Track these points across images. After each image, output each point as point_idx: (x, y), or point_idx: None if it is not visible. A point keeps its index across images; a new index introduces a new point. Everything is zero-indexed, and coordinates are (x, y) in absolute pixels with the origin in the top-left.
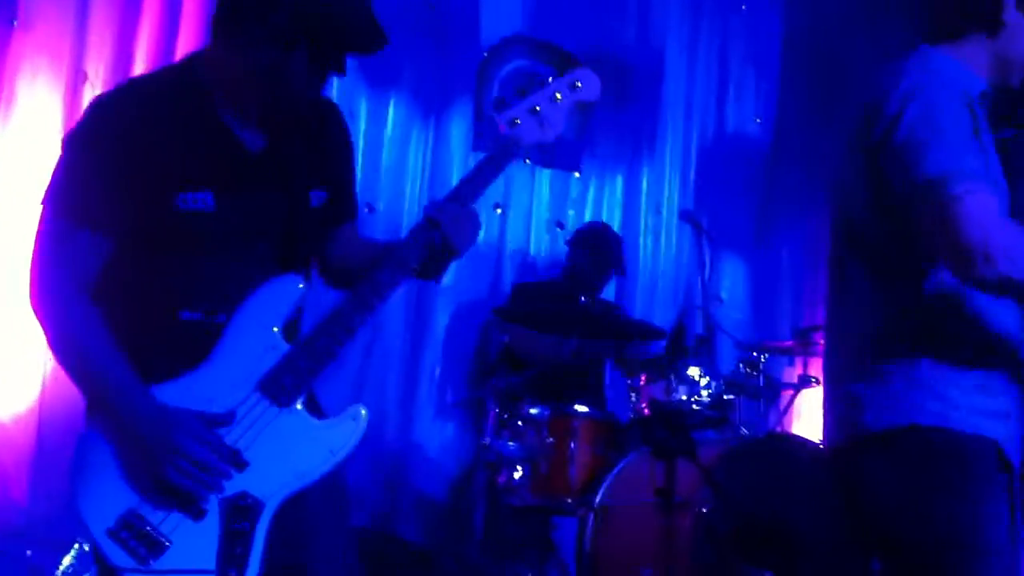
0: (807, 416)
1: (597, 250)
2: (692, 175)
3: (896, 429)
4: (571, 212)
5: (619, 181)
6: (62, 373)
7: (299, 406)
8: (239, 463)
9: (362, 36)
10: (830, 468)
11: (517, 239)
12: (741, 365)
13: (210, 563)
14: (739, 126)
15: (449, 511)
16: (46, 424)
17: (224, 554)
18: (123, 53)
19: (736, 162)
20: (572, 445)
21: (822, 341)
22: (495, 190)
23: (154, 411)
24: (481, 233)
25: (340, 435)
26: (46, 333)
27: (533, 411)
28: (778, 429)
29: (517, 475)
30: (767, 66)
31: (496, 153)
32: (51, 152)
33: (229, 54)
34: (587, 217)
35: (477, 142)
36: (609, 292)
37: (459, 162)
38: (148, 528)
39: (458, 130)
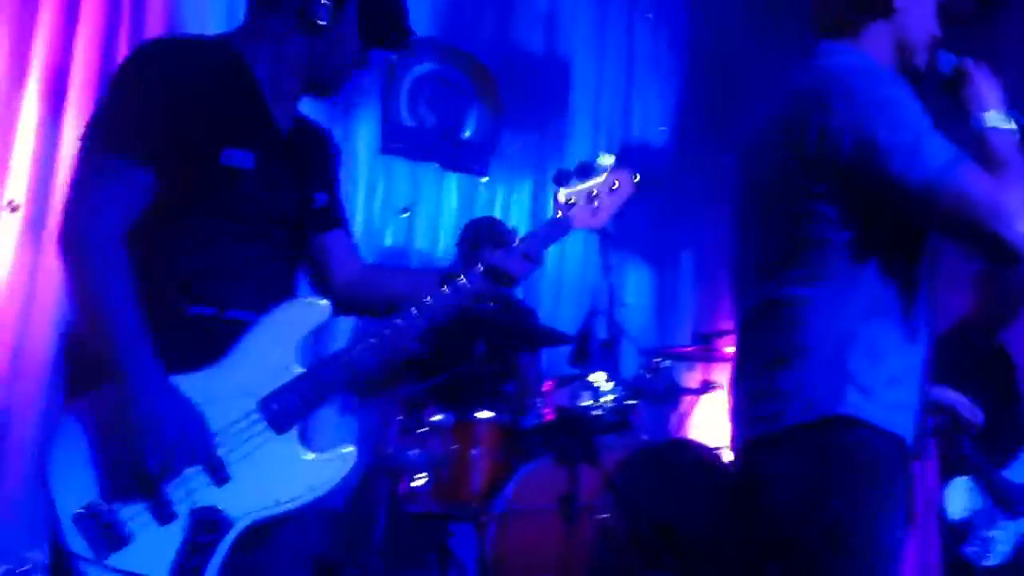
0: (708, 421)
1: (500, 237)
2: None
3: (807, 424)
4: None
5: (527, 186)
6: None
7: (293, 434)
8: (221, 476)
9: (399, 29)
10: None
11: (425, 243)
12: (643, 370)
13: (163, 571)
14: (644, 133)
15: (350, 520)
16: None
17: (180, 564)
18: (20, 47)
19: (641, 168)
20: (475, 452)
21: (723, 347)
22: (403, 193)
23: (163, 388)
24: (388, 237)
25: (325, 472)
26: (74, 277)
27: (436, 418)
28: (679, 434)
29: (419, 482)
30: (672, 74)
31: (548, 227)
32: None
33: (275, 24)
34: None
35: (386, 145)
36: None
37: (366, 166)
38: (114, 521)
39: (365, 134)
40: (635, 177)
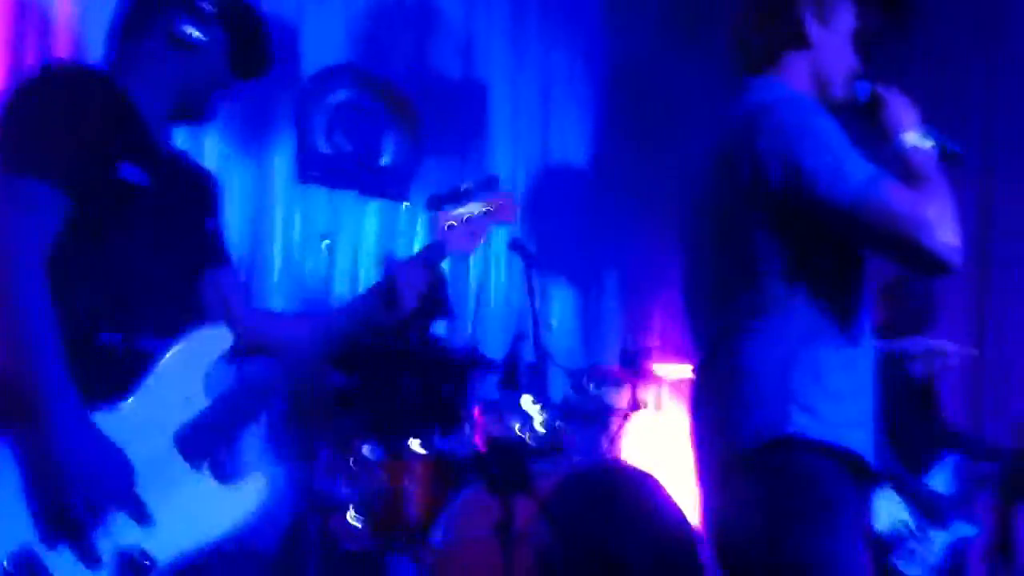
0: (638, 440)
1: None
2: (520, 204)
3: (761, 446)
4: (400, 243)
5: None
6: None
7: (206, 467)
8: (142, 516)
9: (263, 55)
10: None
11: (345, 272)
12: (572, 392)
13: None
14: (564, 156)
15: (283, 561)
16: None
17: None
18: None
19: (562, 191)
20: (407, 484)
21: (650, 365)
22: (321, 221)
23: (87, 429)
24: (308, 265)
25: (239, 502)
26: None
27: (365, 451)
28: (611, 456)
29: (351, 518)
30: (589, 97)
31: (427, 253)
32: None
33: (146, 47)
34: (416, 248)
35: (303, 173)
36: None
37: (283, 194)
38: (41, 571)
39: (281, 162)
40: (508, 199)
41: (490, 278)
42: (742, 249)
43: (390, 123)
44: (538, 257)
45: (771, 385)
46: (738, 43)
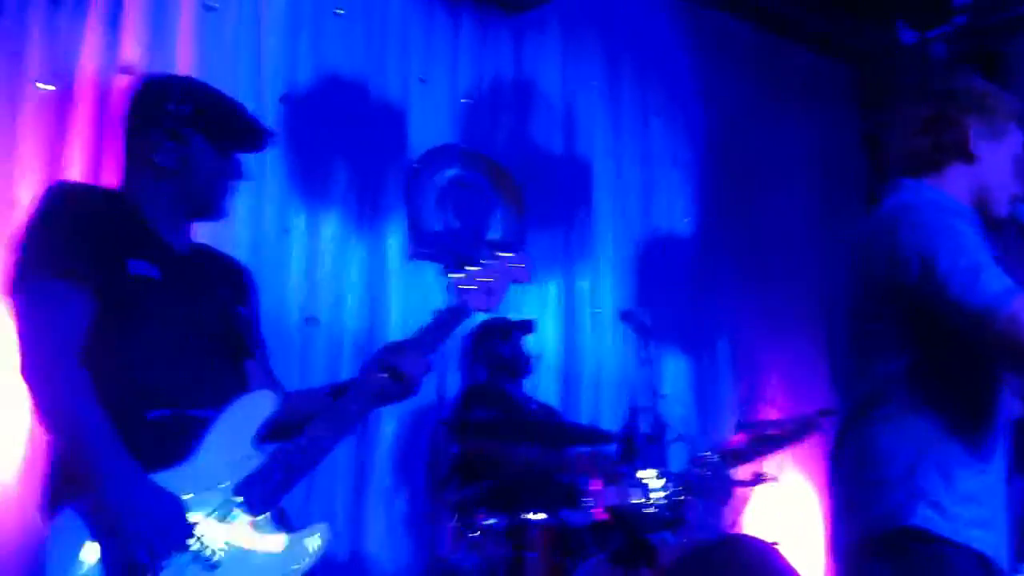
0: (761, 514)
1: (498, 328)
2: (627, 275)
3: (887, 534)
4: (509, 315)
5: (555, 284)
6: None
7: (268, 517)
8: (209, 566)
9: (249, 128)
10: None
11: (460, 343)
12: (693, 464)
13: None
14: (669, 225)
15: None
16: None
17: None
18: (54, 178)
19: (670, 260)
20: (530, 554)
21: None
22: (435, 297)
23: (146, 486)
24: None
25: (301, 551)
26: (37, 400)
27: (489, 521)
28: (734, 530)
29: None
30: (690, 165)
31: (446, 315)
32: None
33: (144, 169)
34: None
35: (414, 250)
36: (553, 396)
37: (396, 271)
38: None
39: (394, 240)
40: (522, 259)
41: (603, 350)
42: (871, 339)
43: (496, 199)
44: (650, 327)
45: (900, 478)
46: (899, 145)
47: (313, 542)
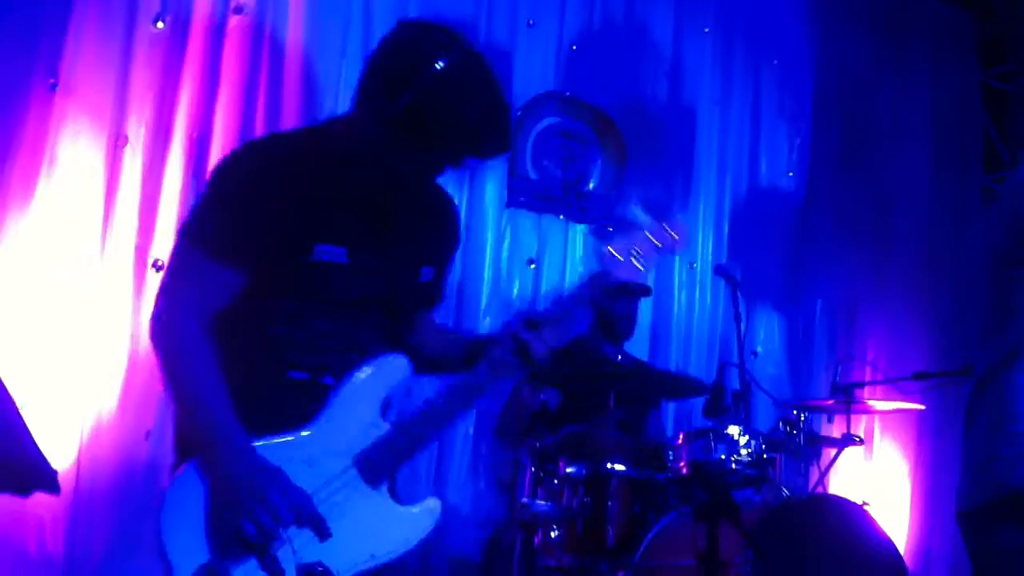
0: (849, 474)
1: (623, 289)
2: (726, 229)
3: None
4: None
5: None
6: (101, 431)
7: (385, 488)
8: (323, 532)
9: (483, 141)
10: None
11: (552, 295)
12: (781, 423)
13: None
14: (772, 180)
15: (484, 572)
16: (85, 481)
17: None
18: (164, 116)
19: (769, 216)
20: (609, 504)
21: (864, 398)
22: (529, 246)
23: (253, 460)
24: (515, 288)
25: (416, 525)
26: (161, 361)
27: (570, 470)
28: (820, 489)
29: (553, 535)
30: (798, 119)
31: (589, 283)
32: (93, 214)
33: (363, 121)
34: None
35: (512, 198)
36: (643, 349)
37: (493, 220)
38: None
39: (492, 188)
40: (677, 228)
41: (695, 303)
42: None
43: (597, 149)
44: (744, 283)
45: None
46: None
47: (426, 519)
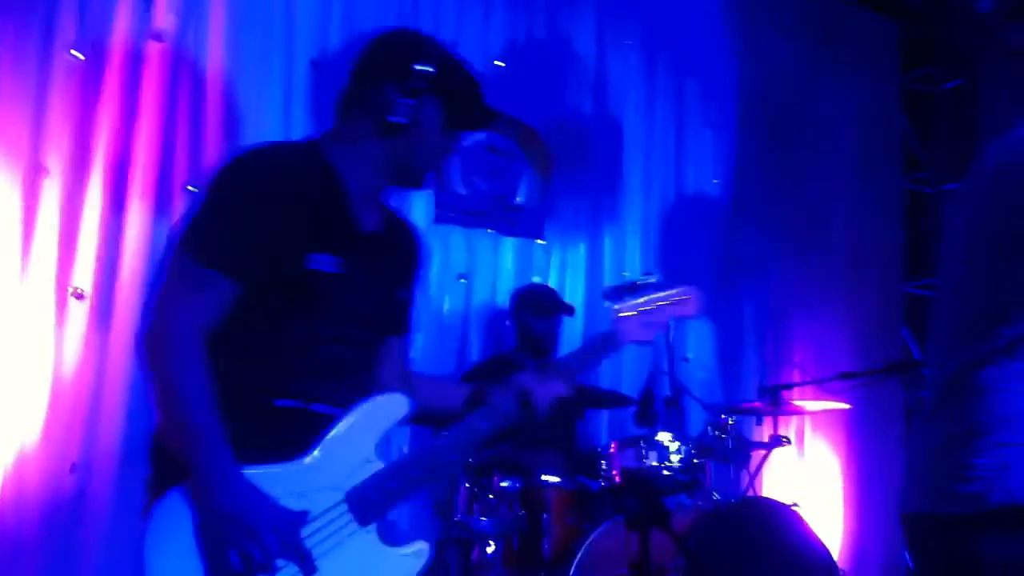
0: (782, 475)
1: (540, 304)
2: (654, 238)
3: (1017, 505)
4: (536, 279)
5: (582, 247)
6: (24, 464)
7: (374, 528)
8: (309, 568)
9: (482, 106)
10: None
11: (483, 309)
12: (710, 427)
13: None
14: (698, 187)
15: None
16: (8, 516)
17: None
18: (82, 145)
19: (696, 223)
20: (544, 517)
21: (791, 400)
22: (459, 260)
23: (243, 490)
24: (447, 303)
25: (404, 568)
26: (153, 372)
27: (504, 484)
28: (750, 492)
29: (490, 550)
30: (723, 127)
31: (599, 343)
32: (10, 245)
33: (360, 127)
34: (552, 284)
35: (440, 214)
36: None
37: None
38: None
39: (420, 204)
40: (691, 292)
41: None
42: (1006, 269)
43: (524, 162)
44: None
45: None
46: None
47: (414, 562)
